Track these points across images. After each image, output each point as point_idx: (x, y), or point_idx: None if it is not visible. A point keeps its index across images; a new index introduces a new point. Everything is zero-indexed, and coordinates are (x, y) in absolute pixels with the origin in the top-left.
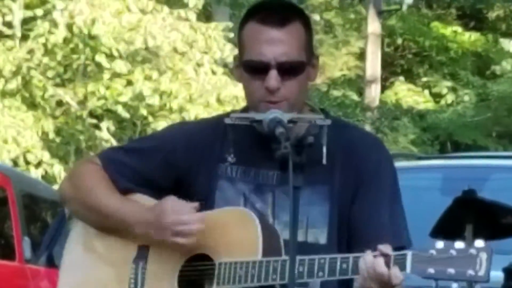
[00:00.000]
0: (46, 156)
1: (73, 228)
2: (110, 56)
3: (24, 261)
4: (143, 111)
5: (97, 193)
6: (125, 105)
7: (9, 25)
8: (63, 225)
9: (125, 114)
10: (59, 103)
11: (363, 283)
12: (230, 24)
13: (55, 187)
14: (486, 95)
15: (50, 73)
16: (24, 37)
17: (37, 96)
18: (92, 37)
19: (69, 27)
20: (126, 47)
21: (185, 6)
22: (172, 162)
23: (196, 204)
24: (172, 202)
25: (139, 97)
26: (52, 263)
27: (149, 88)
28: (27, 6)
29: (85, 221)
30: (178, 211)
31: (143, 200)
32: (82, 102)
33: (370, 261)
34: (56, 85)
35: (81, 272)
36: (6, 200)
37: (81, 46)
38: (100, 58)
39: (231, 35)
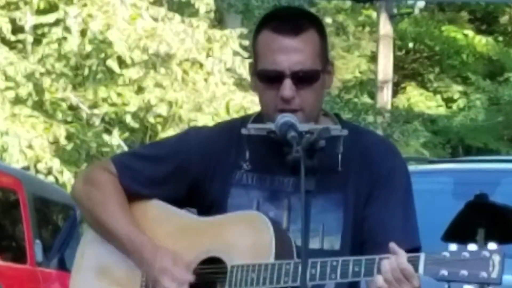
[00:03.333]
0: (56, 163)
1: (86, 231)
2: (123, 63)
3: (35, 264)
4: (151, 120)
5: (106, 209)
6: (133, 115)
7: (21, 30)
8: (75, 228)
9: (134, 124)
10: (70, 107)
11: (386, 287)
12: (245, 31)
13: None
14: (497, 99)
15: (62, 81)
16: (36, 42)
17: (48, 101)
18: (105, 42)
19: (83, 33)
20: (140, 54)
21: (195, 14)
22: (187, 169)
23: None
24: (171, 265)
25: (147, 106)
26: (64, 266)
27: (156, 97)
28: (39, 12)
29: (92, 228)
30: (172, 277)
31: (158, 206)
32: (93, 107)
33: (394, 262)
34: (67, 89)
35: (93, 275)
36: (17, 203)
37: (93, 51)
38: (112, 64)
39: (246, 42)
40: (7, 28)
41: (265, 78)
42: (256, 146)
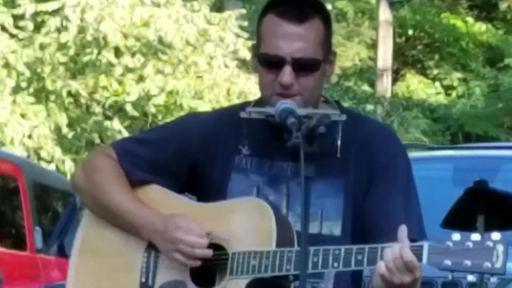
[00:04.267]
0: (58, 152)
1: (84, 216)
2: (119, 51)
3: (35, 251)
4: (152, 109)
5: (109, 190)
6: (133, 104)
7: (21, 17)
8: (74, 215)
9: (134, 112)
10: (70, 94)
11: (387, 275)
12: (243, 11)
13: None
14: (497, 86)
15: (61, 69)
16: (37, 29)
17: (49, 88)
18: (100, 33)
19: (82, 22)
20: (134, 43)
21: None
22: (187, 152)
23: (209, 231)
24: (186, 220)
25: (147, 95)
26: (63, 253)
27: (157, 87)
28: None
29: (95, 214)
30: (189, 231)
31: (159, 191)
32: (93, 93)
33: (397, 251)
34: (66, 76)
35: (92, 260)
36: (17, 190)
37: (95, 51)
38: (108, 55)
39: (245, 23)
40: (8, 23)
41: (266, 62)
42: (255, 131)
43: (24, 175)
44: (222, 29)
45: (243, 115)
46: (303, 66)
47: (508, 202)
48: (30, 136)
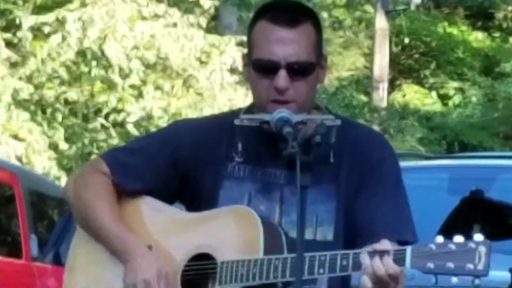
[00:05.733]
0: (54, 169)
1: (78, 229)
2: (121, 70)
3: (31, 259)
4: (153, 129)
5: (95, 210)
6: (135, 124)
7: (17, 27)
8: (70, 223)
9: (134, 132)
10: (66, 102)
11: (373, 279)
12: (245, 38)
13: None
14: (493, 95)
15: (57, 81)
16: (36, 38)
17: (46, 96)
18: (104, 54)
19: (81, 40)
20: (138, 65)
21: (191, 10)
22: (178, 160)
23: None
24: (149, 257)
25: (148, 115)
26: (59, 261)
27: (159, 108)
28: (38, 8)
29: (82, 228)
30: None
31: (149, 203)
32: (88, 101)
33: (367, 263)
34: (62, 83)
35: (86, 271)
36: (13, 198)
37: (94, 63)
38: (113, 76)
39: (245, 50)
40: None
41: (260, 67)
42: (248, 138)
43: (20, 183)
44: (223, 52)
45: (237, 122)
46: (297, 70)
47: (503, 212)
48: (20, 159)
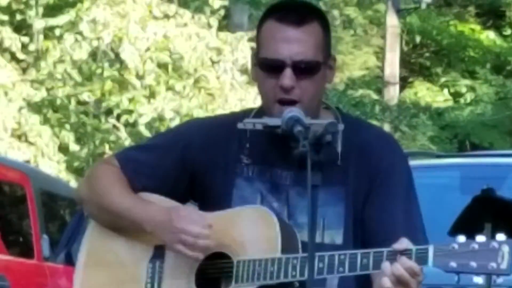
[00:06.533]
0: (63, 172)
1: (89, 227)
2: (136, 75)
3: (42, 259)
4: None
5: (111, 193)
6: (146, 124)
7: (28, 28)
8: (82, 223)
9: (146, 133)
10: (78, 102)
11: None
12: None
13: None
14: (504, 93)
15: (71, 83)
16: (47, 37)
17: (58, 96)
18: (117, 57)
19: (95, 39)
20: (153, 66)
21: (201, 9)
22: (189, 158)
23: (211, 222)
24: (190, 211)
25: (161, 117)
26: (71, 261)
27: (171, 110)
28: (49, 9)
29: (100, 223)
30: (193, 221)
31: (161, 200)
32: (100, 101)
33: (388, 269)
34: (74, 84)
35: (97, 271)
36: (24, 198)
37: (106, 65)
38: (129, 76)
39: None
40: (16, 46)
41: (266, 66)
42: (256, 139)
43: (32, 183)
44: (235, 49)
45: (240, 126)
46: (303, 69)
47: None
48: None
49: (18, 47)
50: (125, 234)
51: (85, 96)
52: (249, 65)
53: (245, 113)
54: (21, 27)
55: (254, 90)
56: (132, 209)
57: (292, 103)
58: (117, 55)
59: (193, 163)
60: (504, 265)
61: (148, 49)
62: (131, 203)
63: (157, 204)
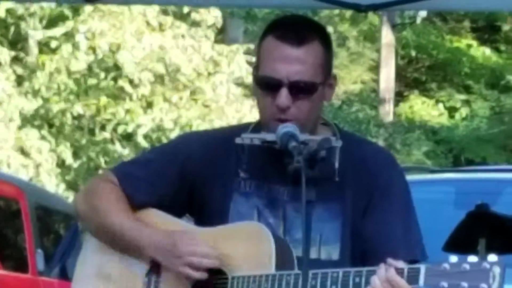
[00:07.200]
0: (61, 187)
1: (86, 241)
2: (131, 82)
3: (37, 273)
4: (163, 140)
5: (110, 213)
6: (145, 136)
7: (23, 41)
8: (76, 237)
9: (144, 144)
10: (73, 117)
11: None
12: (252, 47)
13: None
14: (499, 108)
15: (65, 93)
16: (43, 52)
17: (53, 111)
18: (115, 64)
19: (92, 49)
20: (149, 75)
21: (198, 23)
22: (187, 172)
23: (208, 238)
24: (190, 234)
25: (160, 128)
26: (65, 276)
27: (170, 120)
28: (47, 22)
29: (98, 239)
30: (198, 242)
31: (159, 216)
32: (95, 116)
33: (383, 274)
34: (69, 97)
35: (93, 285)
36: (19, 212)
37: (102, 75)
38: (124, 84)
39: (253, 59)
40: (4, 59)
41: (264, 84)
42: (254, 154)
43: (27, 198)
44: (231, 61)
45: (238, 141)
46: (300, 89)
47: (509, 226)
48: (31, 179)
49: (7, 61)
50: (121, 252)
51: (80, 109)
52: (245, 78)
53: (243, 127)
54: (16, 41)
55: (249, 103)
56: (132, 232)
57: (287, 121)
58: (114, 63)
59: (191, 177)
60: (495, 286)
61: (144, 59)
62: (131, 226)
63: (156, 228)
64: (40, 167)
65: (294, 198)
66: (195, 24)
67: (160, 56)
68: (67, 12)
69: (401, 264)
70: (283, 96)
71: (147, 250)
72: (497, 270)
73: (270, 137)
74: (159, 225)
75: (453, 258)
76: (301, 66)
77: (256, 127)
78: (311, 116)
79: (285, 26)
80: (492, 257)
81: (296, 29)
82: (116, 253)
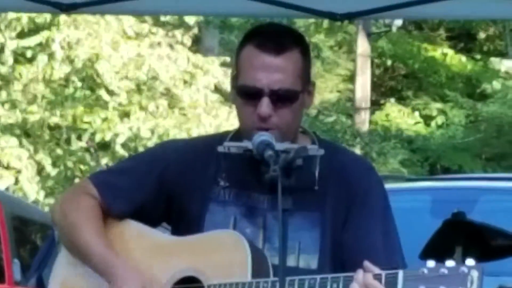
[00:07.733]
0: (41, 195)
1: (60, 251)
2: (109, 91)
3: (14, 283)
4: (141, 149)
5: (83, 233)
6: (123, 145)
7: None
8: (53, 247)
9: (122, 152)
10: (49, 127)
11: None
12: (228, 59)
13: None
14: (475, 116)
15: (43, 102)
16: (18, 63)
17: (30, 120)
18: (95, 74)
19: (69, 58)
20: (128, 84)
21: (178, 26)
22: (165, 181)
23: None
24: (130, 273)
25: (137, 136)
26: (42, 285)
27: (147, 129)
28: (21, 34)
29: (69, 252)
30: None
31: (134, 228)
32: (72, 126)
33: (361, 279)
34: (47, 106)
35: None
36: None
37: (79, 84)
38: (101, 92)
39: (228, 71)
40: None
41: (244, 94)
42: (233, 162)
43: (3, 208)
44: (206, 72)
45: (220, 149)
46: (281, 98)
47: (486, 234)
48: (7, 189)
49: None
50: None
51: (57, 120)
52: (222, 85)
53: (222, 136)
54: None
55: (226, 109)
56: (98, 258)
57: (269, 130)
58: (93, 73)
59: (170, 186)
60: None
61: (123, 68)
62: (98, 252)
63: (122, 260)
64: (20, 175)
65: (273, 207)
66: (174, 26)
67: (138, 64)
68: (42, 21)
69: (378, 270)
70: (264, 105)
71: (106, 280)
72: (475, 274)
73: (251, 145)
74: (135, 237)
75: (431, 263)
76: (281, 74)
77: (236, 136)
78: (293, 124)
79: (264, 35)
80: (470, 261)
81: (275, 37)
82: (86, 267)
